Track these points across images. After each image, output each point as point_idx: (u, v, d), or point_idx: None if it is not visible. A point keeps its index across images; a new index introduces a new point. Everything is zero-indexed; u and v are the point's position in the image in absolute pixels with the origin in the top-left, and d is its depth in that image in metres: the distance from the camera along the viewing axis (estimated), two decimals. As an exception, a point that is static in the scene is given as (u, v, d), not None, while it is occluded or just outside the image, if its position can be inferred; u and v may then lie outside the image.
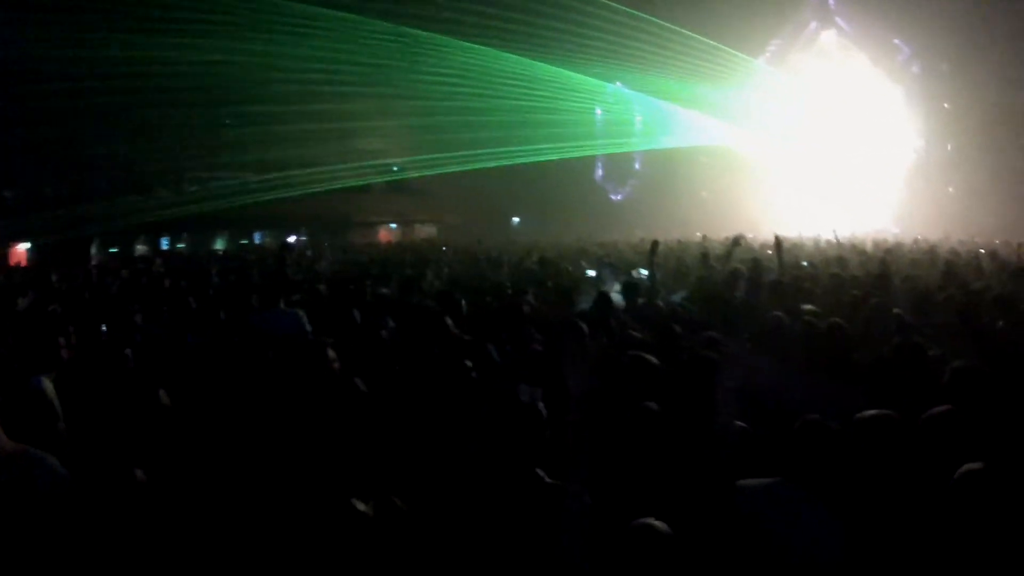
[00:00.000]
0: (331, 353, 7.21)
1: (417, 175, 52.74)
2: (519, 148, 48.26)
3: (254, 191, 43.64)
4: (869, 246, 26.73)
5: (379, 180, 53.14)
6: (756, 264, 15.62)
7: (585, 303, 12.08)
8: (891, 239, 33.16)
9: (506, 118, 47.33)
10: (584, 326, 8.68)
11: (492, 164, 48.16)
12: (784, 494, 5.00)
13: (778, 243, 15.96)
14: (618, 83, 55.40)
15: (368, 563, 4.30)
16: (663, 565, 4.14)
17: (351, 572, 4.27)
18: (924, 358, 7.50)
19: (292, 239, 37.52)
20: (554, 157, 49.80)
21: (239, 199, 43.03)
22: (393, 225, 58.26)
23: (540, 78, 48.18)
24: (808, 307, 10.61)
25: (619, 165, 60.38)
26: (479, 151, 47.53)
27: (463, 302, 10.98)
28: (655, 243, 15.24)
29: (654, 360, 7.11)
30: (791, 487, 5.01)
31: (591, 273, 17.70)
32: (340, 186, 46.64)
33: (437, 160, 47.98)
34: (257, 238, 49.40)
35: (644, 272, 16.82)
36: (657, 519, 4.25)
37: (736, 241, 16.29)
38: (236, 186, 44.97)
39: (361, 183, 49.88)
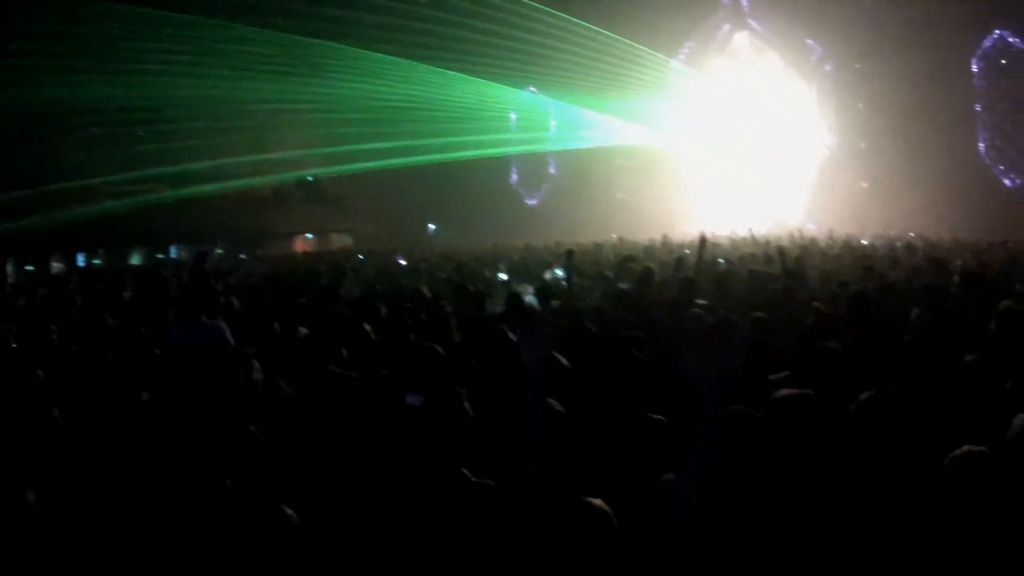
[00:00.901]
0: (255, 364, 7.20)
1: (325, 172, 52.55)
2: (429, 146, 48.26)
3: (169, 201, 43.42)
4: (785, 242, 27.05)
5: (290, 177, 52.95)
6: (679, 263, 15.78)
7: (498, 306, 12.14)
8: (806, 234, 33.54)
9: (415, 117, 47.36)
10: (506, 329, 8.74)
11: (402, 163, 48.12)
12: (711, 487, 5.08)
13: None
14: (532, 88, 55.59)
15: (295, 569, 4.32)
16: (604, 541, 4.20)
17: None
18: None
19: (208, 250, 37.12)
20: (468, 156, 49.90)
21: (153, 211, 42.77)
22: (309, 235, 57.94)
23: (449, 80, 48.14)
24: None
25: (534, 169, 60.48)
26: (389, 149, 47.47)
27: (382, 308, 11.03)
28: (570, 251, 15.39)
29: (563, 360, 7.18)
30: (717, 480, 5.09)
31: (503, 277, 17.76)
32: (255, 183, 46.50)
33: (347, 156, 47.89)
34: (173, 252, 48.90)
35: (559, 272, 16.92)
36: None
37: (702, 241, 16.34)
38: (150, 195, 44.66)
39: (275, 179, 49.71)
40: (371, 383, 7.45)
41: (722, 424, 5.21)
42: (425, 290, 14.38)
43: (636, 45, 51.08)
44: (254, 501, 4.61)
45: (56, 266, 41.27)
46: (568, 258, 14.78)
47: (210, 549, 4.47)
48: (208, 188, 45.47)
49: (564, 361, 7.27)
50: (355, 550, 4.76)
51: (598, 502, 4.30)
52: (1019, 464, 5.24)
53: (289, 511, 4.39)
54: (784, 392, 5.97)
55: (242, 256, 40.21)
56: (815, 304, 10.53)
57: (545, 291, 13.07)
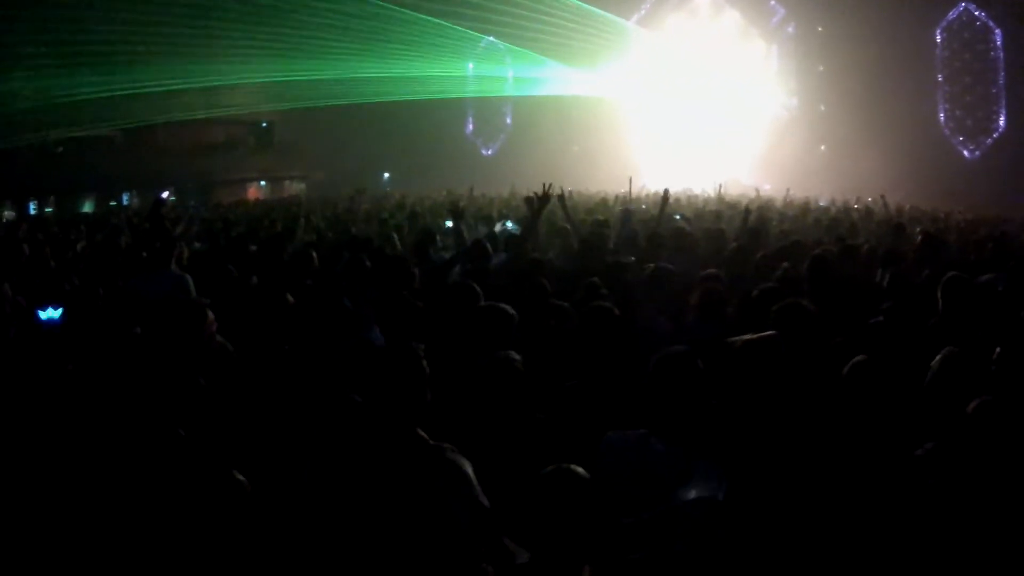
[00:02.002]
0: (210, 315, 6.97)
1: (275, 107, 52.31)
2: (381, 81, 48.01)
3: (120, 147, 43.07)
4: (743, 202, 27.00)
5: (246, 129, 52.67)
6: (626, 214, 15.67)
7: (444, 254, 11.98)
8: (763, 194, 33.54)
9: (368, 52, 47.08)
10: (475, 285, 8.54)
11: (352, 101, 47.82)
12: (646, 444, 5.01)
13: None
14: (490, 38, 55.39)
15: (248, 534, 4.14)
16: (582, 506, 4.04)
17: (232, 543, 4.10)
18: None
19: (165, 195, 36.69)
20: (423, 97, 49.73)
21: (104, 158, 42.40)
22: (262, 183, 57.54)
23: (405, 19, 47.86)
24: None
25: (489, 120, 60.41)
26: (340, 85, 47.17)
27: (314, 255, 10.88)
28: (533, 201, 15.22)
29: (511, 311, 7.00)
30: (654, 436, 5.01)
31: (449, 224, 17.57)
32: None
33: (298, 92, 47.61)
34: (125, 199, 48.39)
35: (510, 225, 16.77)
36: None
37: (665, 197, 16.22)
38: (101, 143, 44.30)
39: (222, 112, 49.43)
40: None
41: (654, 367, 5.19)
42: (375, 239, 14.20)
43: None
44: (204, 463, 4.41)
45: (7, 214, 40.71)
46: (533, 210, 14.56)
47: (156, 510, 4.26)
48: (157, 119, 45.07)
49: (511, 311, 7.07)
50: (305, 513, 4.57)
51: (579, 470, 4.14)
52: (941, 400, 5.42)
53: (240, 477, 4.19)
54: (748, 337, 5.86)
55: (192, 204, 39.83)
56: (784, 265, 10.40)
57: (492, 242, 12.87)
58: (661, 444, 4.96)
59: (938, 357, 5.71)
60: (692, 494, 4.76)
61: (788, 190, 31.03)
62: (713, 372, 5.43)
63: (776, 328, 6.26)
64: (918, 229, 16.80)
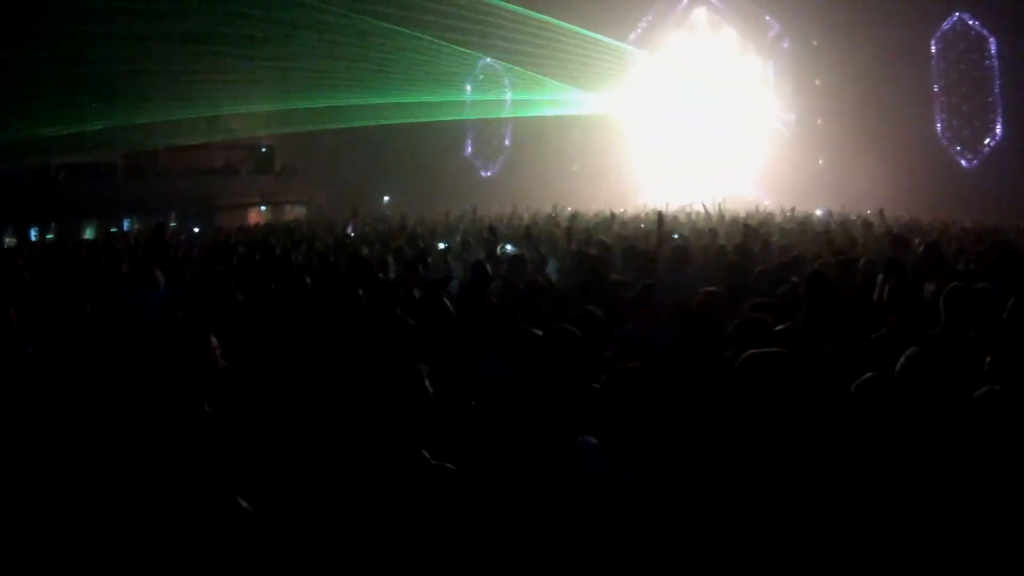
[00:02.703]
0: (214, 340, 6.97)
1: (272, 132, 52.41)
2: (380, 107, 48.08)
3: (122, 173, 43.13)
4: (742, 216, 27.04)
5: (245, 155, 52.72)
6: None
7: (438, 274, 12.03)
8: (763, 210, 33.59)
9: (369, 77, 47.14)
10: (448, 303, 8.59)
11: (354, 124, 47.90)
12: (608, 450, 5.02)
13: (660, 218, 16.03)
14: (488, 59, 55.54)
15: (249, 558, 4.15)
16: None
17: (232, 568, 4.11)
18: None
19: (164, 223, 36.80)
20: (422, 120, 49.83)
21: (105, 184, 42.41)
22: (263, 207, 57.58)
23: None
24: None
25: (489, 141, 60.37)
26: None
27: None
28: (528, 228, 15.34)
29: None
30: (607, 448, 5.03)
31: (441, 246, 17.63)
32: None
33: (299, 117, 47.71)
34: (126, 225, 48.42)
35: (509, 248, 16.85)
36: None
37: (661, 219, 16.28)
38: (103, 169, 44.34)
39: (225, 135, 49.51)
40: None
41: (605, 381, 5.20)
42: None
43: (592, 18, 50.97)
44: (207, 488, 4.42)
45: (8, 240, 40.74)
46: (527, 235, 14.61)
47: (158, 536, 4.27)
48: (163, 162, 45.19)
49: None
50: (311, 536, 4.59)
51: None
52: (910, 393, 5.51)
53: (243, 502, 4.20)
54: (753, 352, 5.90)
55: (196, 230, 39.87)
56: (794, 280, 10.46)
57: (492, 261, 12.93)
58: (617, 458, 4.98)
59: (902, 358, 5.79)
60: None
61: (793, 209, 31.05)
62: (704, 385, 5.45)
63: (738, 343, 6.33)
64: (917, 241, 16.85)
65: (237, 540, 4.08)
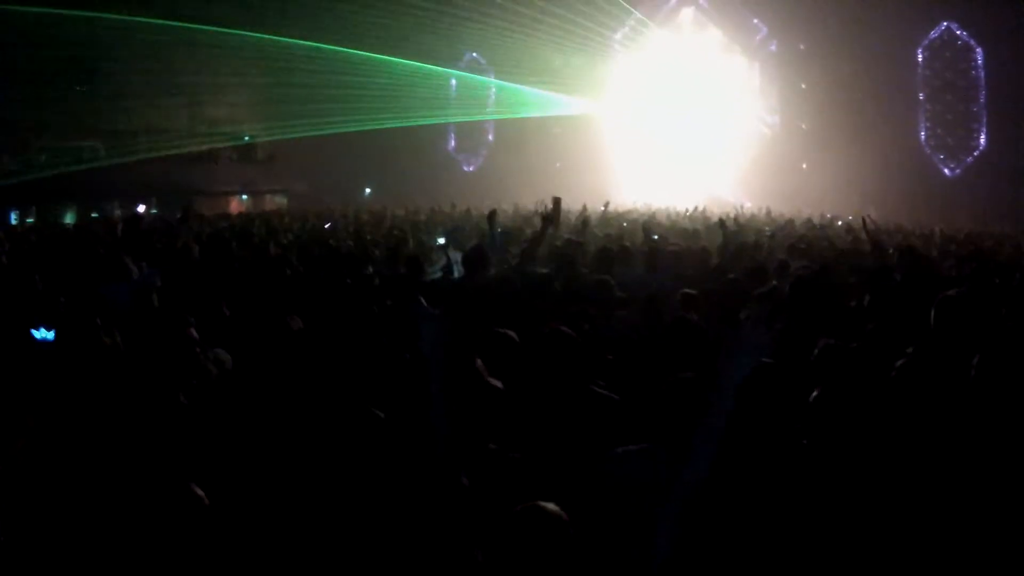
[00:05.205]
0: (193, 332, 6.89)
1: (267, 138, 52.34)
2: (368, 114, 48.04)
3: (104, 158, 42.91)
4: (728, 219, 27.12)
5: (228, 144, 52.61)
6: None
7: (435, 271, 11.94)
8: (745, 212, 33.59)
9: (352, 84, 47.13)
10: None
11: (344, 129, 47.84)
12: (648, 458, 4.95)
13: (556, 203, 15.93)
14: (474, 53, 55.57)
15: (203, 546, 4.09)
16: (555, 546, 4.00)
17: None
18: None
19: (141, 209, 36.55)
20: (406, 124, 49.78)
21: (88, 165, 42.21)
22: (244, 196, 57.34)
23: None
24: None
25: (472, 136, 60.34)
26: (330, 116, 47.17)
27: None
28: (492, 212, 15.22)
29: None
30: (658, 451, 4.96)
31: (441, 241, 17.53)
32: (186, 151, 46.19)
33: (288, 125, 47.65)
34: (108, 210, 48.15)
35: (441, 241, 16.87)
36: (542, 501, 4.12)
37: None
38: (85, 153, 44.09)
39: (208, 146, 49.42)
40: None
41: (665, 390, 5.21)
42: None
43: (578, 17, 50.89)
44: (163, 476, 4.36)
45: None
46: (490, 220, 14.51)
47: (109, 523, 4.21)
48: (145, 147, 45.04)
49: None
50: (273, 533, 4.52)
51: (552, 507, 4.09)
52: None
53: (198, 490, 4.14)
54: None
55: (179, 215, 39.70)
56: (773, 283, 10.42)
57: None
58: (659, 455, 4.93)
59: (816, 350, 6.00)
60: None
61: (769, 209, 31.08)
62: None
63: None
64: (890, 250, 16.82)
65: (188, 528, 4.02)
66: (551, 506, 4.06)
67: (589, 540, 4.34)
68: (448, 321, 5.54)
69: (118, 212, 44.35)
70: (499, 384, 5.92)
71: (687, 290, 9.63)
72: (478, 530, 4.31)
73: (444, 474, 4.57)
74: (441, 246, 16.74)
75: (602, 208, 27.53)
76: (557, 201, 16.09)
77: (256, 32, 43.96)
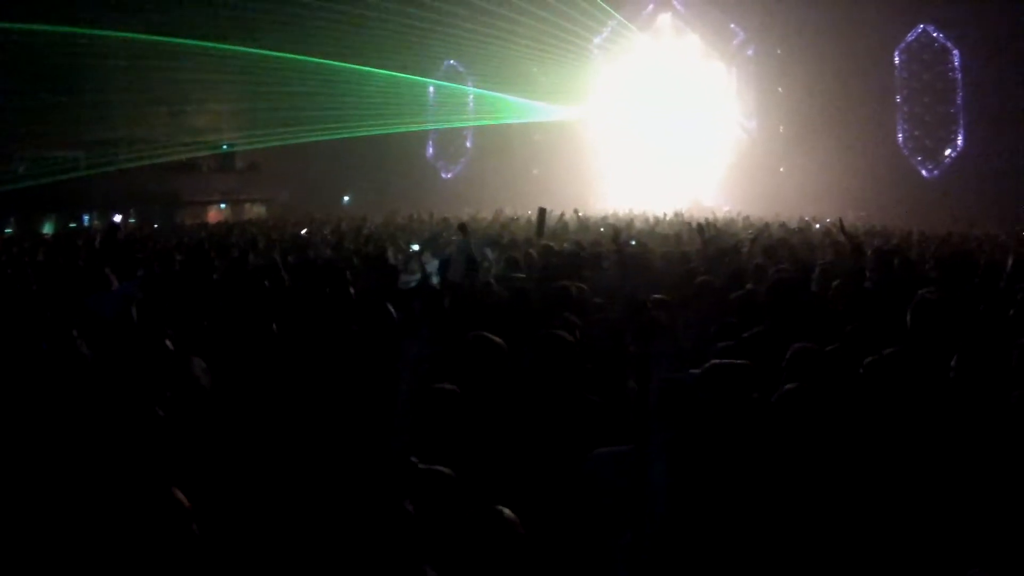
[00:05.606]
0: (168, 344, 6.89)
1: (248, 147, 52.34)
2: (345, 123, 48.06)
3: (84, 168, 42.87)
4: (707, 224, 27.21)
5: (208, 153, 52.57)
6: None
7: (413, 278, 11.95)
8: (722, 216, 33.66)
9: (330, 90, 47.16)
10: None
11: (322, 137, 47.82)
12: (627, 459, 4.97)
13: (615, 233, 16.02)
14: (452, 61, 55.60)
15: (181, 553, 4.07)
16: (507, 553, 4.01)
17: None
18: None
19: (118, 219, 36.48)
20: (383, 131, 49.77)
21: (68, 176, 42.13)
22: (223, 205, 57.27)
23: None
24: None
25: (450, 143, 60.40)
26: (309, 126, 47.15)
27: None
28: (462, 224, 15.29)
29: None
30: (636, 452, 4.97)
31: (415, 248, 17.56)
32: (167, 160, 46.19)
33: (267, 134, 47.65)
34: (85, 220, 48.06)
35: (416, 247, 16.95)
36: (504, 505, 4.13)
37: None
38: (65, 163, 43.99)
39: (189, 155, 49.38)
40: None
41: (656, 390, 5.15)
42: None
43: (558, 22, 50.89)
44: (145, 483, 4.34)
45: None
46: (463, 230, 14.57)
47: (88, 530, 4.19)
48: (125, 157, 44.97)
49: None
50: (257, 534, 4.51)
51: (508, 512, 4.10)
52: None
53: (179, 494, 4.13)
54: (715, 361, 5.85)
55: (156, 226, 39.60)
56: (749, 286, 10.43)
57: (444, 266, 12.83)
58: (636, 456, 4.92)
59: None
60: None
61: (745, 215, 31.15)
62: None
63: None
64: (869, 252, 16.87)
65: (171, 533, 4.01)
66: (507, 512, 4.07)
67: (565, 541, 4.36)
68: (426, 339, 5.55)
69: (96, 222, 44.35)
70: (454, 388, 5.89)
71: (658, 296, 9.63)
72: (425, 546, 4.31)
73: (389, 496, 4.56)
74: (416, 253, 16.78)
75: (574, 214, 27.55)
76: (542, 212, 16.18)
77: (235, 45, 43.87)
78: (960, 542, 4.65)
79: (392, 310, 8.36)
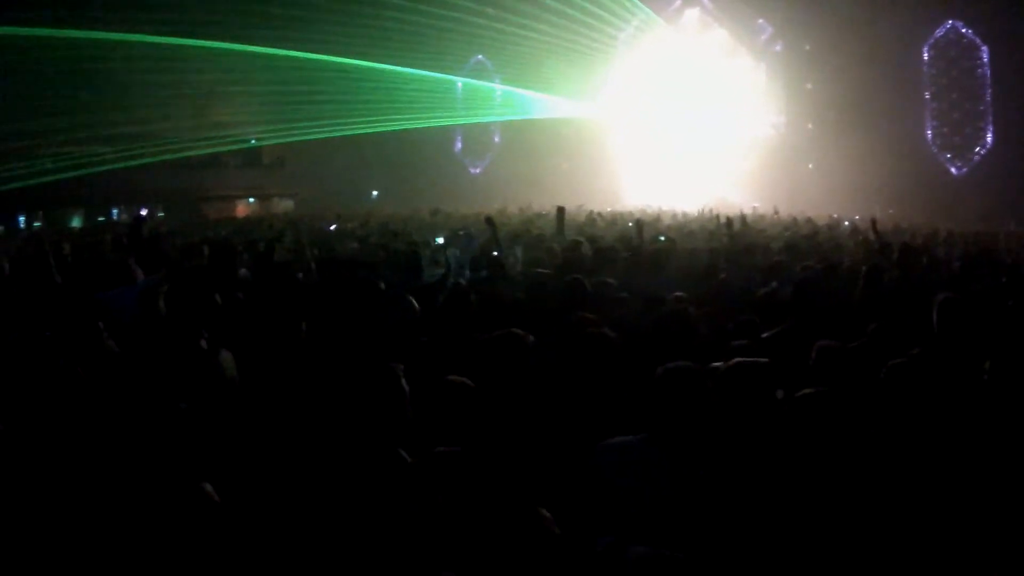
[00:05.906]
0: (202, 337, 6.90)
1: (275, 142, 52.41)
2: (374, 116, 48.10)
3: (111, 161, 42.93)
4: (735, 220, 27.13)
5: (234, 148, 52.66)
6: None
7: (434, 272, 11.94)
8: (751, 213, 33.55)
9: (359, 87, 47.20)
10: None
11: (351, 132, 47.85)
12: (638, 450, 4.96)
13: (639, 225, 16.01)
14: (480, 56, 55.57)
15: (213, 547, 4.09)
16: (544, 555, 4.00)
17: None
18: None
19: (144, 212, 36.58)
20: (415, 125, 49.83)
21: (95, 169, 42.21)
22: (251, 199, 57.38)
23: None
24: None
25: (478, 138, 60.33)
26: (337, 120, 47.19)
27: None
28: (489, 217, 15.22)
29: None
30: (648, 442, 4.97)
31: (440, 241, 17.55)
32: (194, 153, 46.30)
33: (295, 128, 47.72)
34: (114, 214, 48.24)
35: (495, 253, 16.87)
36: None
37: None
38: (92, 158, 44.11)
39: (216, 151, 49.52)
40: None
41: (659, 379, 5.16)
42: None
43: (584, 18, 50.85)
44: (173, 477, 4.36)
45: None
46: (489, 224, 14.50)
47: (120, 524, 4.21)
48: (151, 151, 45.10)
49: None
50: (282, 531, 4.52)
51: (546, 513, 4.09)
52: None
53: (208, 487, 4.15)
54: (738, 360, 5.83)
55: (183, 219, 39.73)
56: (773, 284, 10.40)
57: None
58: (660, 450, 4.94)
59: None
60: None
61: (776, 209, 31.04)
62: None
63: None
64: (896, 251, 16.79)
65: (204, 528, 4.03)
66: (542, 511, 4.06)
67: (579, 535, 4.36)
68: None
69: (124, 216, 44.49)
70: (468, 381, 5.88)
71: (679, 294, 9.60)
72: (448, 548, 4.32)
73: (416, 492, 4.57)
74: (441, 247, 16.74)
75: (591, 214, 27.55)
76: (561, 210, 16.20)
77: (263, 46, 43.98)
78: (989, 549, 4.62)
79: (415, 304, 8.36)
